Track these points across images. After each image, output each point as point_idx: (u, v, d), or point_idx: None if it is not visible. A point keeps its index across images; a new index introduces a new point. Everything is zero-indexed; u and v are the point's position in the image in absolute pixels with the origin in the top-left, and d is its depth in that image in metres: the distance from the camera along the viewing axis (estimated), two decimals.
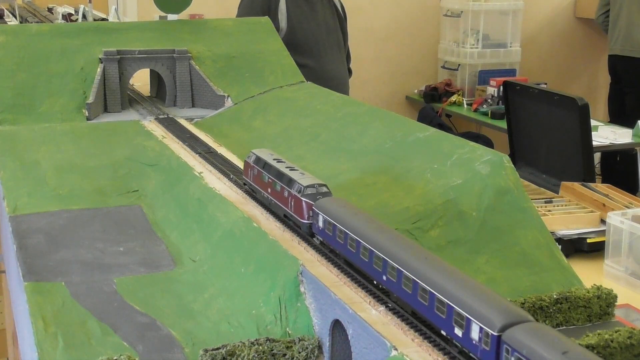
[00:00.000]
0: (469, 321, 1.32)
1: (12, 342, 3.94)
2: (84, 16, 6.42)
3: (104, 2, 8.67)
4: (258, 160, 2.22)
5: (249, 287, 1.93)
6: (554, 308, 1.87)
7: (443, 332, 1.42)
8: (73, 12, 7.20)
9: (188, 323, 1.87)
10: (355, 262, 1.72)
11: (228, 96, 3.64)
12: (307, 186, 1.94)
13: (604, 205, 3.20)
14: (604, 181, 6.42)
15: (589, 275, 2.69)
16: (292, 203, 1.98)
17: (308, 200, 1.93)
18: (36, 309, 1.87)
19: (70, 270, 2.10)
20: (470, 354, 1.35)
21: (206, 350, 1.62)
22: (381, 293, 1.66)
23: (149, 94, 4.02)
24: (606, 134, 6.17)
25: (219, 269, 2.07)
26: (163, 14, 4.40)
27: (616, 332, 1.73)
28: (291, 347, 1.68)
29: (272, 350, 1.65)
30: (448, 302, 1.38)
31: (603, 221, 3.09)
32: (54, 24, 5.50)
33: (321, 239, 1.89)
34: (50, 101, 3.43)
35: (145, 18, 7.04)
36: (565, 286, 1.99)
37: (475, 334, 1.31)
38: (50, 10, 8.13)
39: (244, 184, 2.38)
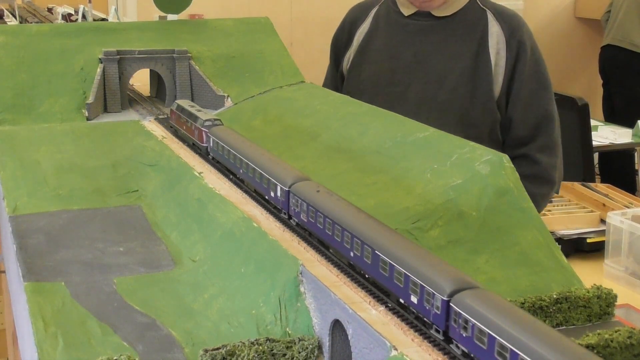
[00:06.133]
0: (273, 187, 2.16)
1: (12, 342, 3.94)
2: (83, 16, 6.42)
3: (104, 2, 8.68)
4: (178, 107, 2.97)
5: (249, 287, 1.93)
6: (554, 308, 1.87)
7: (265, 196, 2.19)
8: (73, 12, 7.20)
9: (188, 323, 1.87)
10: (229, 167, 2.47)
11: (228, 96, 3.64)
12: (206, 120, 2.68)
13: (603, 205, 3.21)
14: (602, 181, 6.42)
15: (589, 275, 2.70)
16: (196, 133, 2.73)
17: (205, 130, 2.66)
18: (36, 309, 1.87)
19: (70, 270, 2.10)
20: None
21: (206, 350, 1.62)
22: (240, 182, 2.39)
23: (149, 94, 4.02)
24: (606, 134, 6.17)
25: (219, 269, 2.07)
26: (163, 14, 4.40)
27: (616, 332, 1.73)
28: (291, 347, 1.68)
29: (272, 350, 1.65)
30: (268, 176, 2.15)
31: (603, 221, 3.10)
32: (53, 24, 5.50)
33: (212, 155, 2.63)
34: (50, 101, 3.43)
35: (145, 18, 7.04)
36: (565, 286, 1.99)
37: (278, 192, 2.10)
38: (50, 10, 8.13)
39: (171, 127, 3.09)
